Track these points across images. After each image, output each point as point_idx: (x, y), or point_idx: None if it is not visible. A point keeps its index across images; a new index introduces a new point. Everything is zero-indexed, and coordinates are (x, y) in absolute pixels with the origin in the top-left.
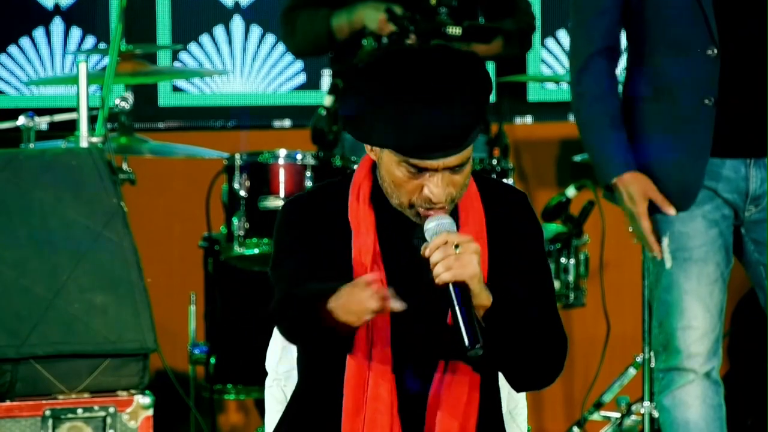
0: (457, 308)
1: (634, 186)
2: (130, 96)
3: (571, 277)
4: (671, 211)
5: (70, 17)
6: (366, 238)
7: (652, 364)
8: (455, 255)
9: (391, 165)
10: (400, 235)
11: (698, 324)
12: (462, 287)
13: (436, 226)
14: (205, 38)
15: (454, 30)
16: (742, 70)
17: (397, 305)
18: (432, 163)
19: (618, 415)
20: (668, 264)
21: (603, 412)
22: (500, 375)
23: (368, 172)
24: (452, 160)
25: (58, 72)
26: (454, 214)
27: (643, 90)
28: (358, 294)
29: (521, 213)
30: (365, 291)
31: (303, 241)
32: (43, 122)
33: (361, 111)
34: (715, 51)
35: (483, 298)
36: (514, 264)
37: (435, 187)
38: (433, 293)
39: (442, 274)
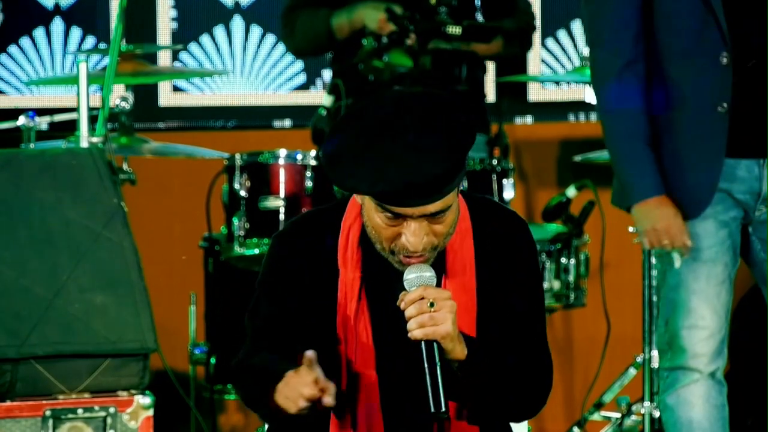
0: (426, 368)
1: (670, 209)
2: (130, 96)
3: (571, 277)
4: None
5: (70, 17)
6: (352, 284)
7: (653, 364)
8: (429, 313)
9: (371, 210)
10: (388, 279)
11: (705, 324)
12: (433, 346)
13: (416, 278)
14: (205, 38)
15: (454, 29)
16: (754, 74)
17: (330, 400)
18: (408, 210)
19: (618, 415)
20: (677, 264)
21: (603, 412)
22: None
23: (358, 214)
24: (430, 207)
25: (58, 72)
26: (442, 254)
27: (657, 99)
28: (296, 380)
29: (517, 244)
30: (304, 377)
31: (286, 285)
32: (43, 122)
33: (338, 154)
34: (727, 57)
35: (457, 352)
36: (505, 300)
37: (412, 235)
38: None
39: (414, 330)
